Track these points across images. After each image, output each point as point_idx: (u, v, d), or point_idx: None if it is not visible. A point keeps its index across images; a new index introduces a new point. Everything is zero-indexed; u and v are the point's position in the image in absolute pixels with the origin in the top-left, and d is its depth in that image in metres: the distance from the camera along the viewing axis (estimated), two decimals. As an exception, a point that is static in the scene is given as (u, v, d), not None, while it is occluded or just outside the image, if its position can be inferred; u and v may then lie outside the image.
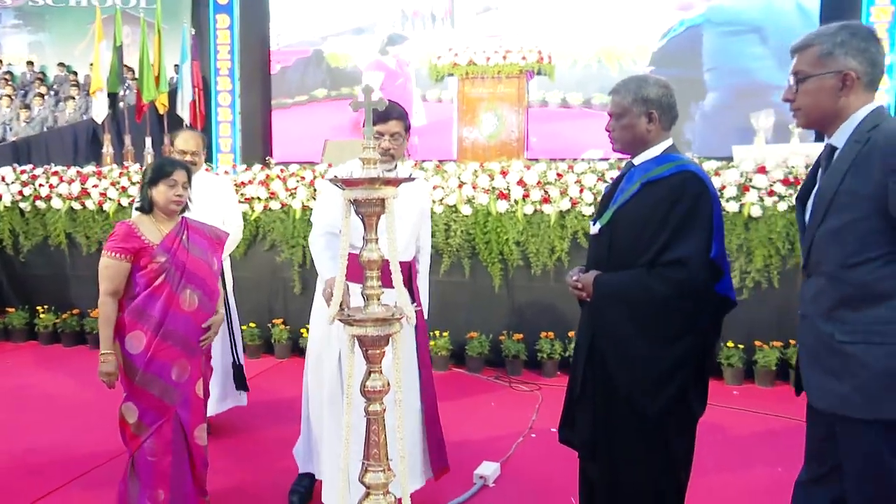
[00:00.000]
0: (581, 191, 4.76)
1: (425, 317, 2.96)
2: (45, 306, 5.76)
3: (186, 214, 2.82)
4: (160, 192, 2.66)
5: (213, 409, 3.64)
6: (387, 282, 2.22)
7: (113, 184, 5.55)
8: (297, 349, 5.29)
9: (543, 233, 4.82)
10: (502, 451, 3.42)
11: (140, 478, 2.61)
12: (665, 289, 2.07)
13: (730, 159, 4.94)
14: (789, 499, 2.93)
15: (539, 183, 4.83)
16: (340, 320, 2.15)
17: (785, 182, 4.54)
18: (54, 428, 3.85)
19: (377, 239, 2.16)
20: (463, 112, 5.78)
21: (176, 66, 10.57)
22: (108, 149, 8.70)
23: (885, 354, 1.66)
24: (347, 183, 2.10)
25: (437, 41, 8.85)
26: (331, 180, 2.18)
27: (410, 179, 2.21)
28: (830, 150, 1.80)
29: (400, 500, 2.26)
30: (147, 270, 2.58)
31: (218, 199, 3.71)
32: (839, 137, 1.77)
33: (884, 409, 1.66)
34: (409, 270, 2.84)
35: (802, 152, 4.96)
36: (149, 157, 8.79)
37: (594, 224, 2.33)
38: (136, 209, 2.73)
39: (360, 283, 2.24)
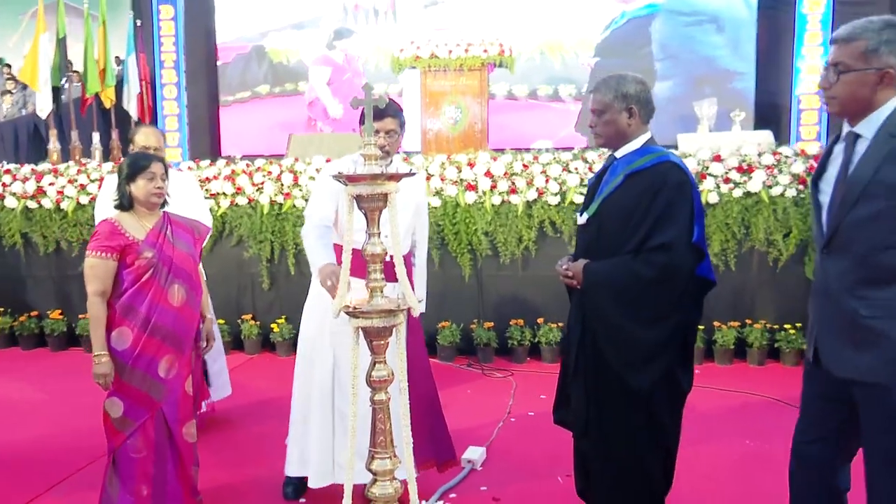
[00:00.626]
0: (547, 181, 4.89)
1: (423, 310, 3.04)
2: (1, 308, 5.58)
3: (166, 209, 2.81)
4: (139, 187, 2.64)
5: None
6: (387, 275, 2.28)
7: (71, 181, 5.41)
8: (268, 344, 5.29)
9: (511, 223, 4.93)
10: (485, 436, 3.53)
11: (121, 474, 2.60)
12: (651, 272, 2.20)
13: (674, 147, 5.15)
14: (761, 469, 3.14)
15: (506, 174, 4.94)
16: (346, 313, 2.20)
17: (739, 170, 4.76)
18: (22, 433, 3.76)
19: (380, 233, 2.22)
20: (426, 104, 5.83)
21: (117, 58, 10.24)
22: (54, 144, 8.40)
23: None
24: (351, 179, 2.15)
25: (384, 35, 8.88)
26: (334, 176, 2.23)
27: (411, 174, 2.28)
28: (854, 137, 1.90)
29: (405, 481, 2.33)
30: (134, 267, 2.57)
31: (185, 195, 3.66)
32: (866, 127, 1.87)
33: None
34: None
35: (753, 140, 5.22)
36: (97, 153, 8.53)
37: (581, 215, 2.44)
38: (116, 207, 2.70)
39: (359, 276, 2.30)
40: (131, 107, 9.26)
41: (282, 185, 5.14)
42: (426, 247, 3.11)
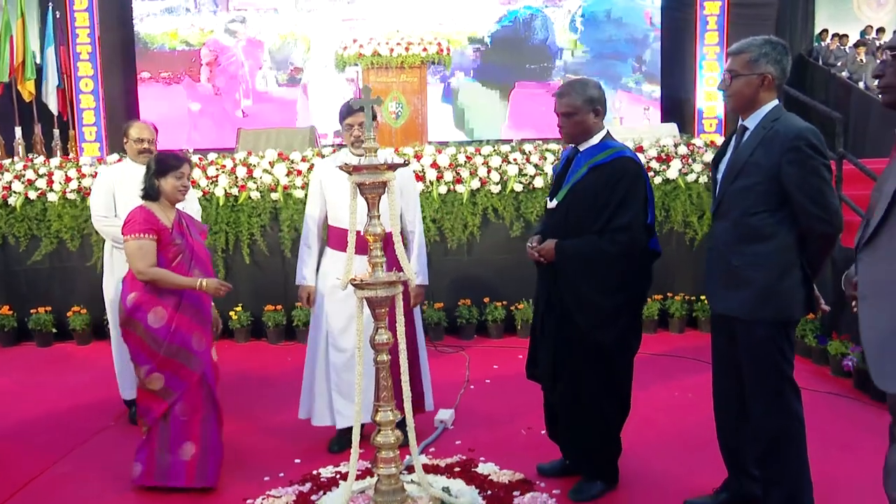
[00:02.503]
0: (489, 172, 5.30)
1: (426, 282, 3.53)
2: (-56, 306, 5.51)
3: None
4: (169, 183, 2.93)
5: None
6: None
7: (17, 177, 5.39)
8: (226, 331, 5.46)
9: (457, 210, 5.32)
10: (451, 401, 3.90)
11: (171, 437, 2.89)
12: (615, 248, 2.65)
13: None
14: (687, 413, 3.66)
15: (451, 165, 5.32)
16: (353, 285, 2.54)
17: (658, 159, 5.33)
18: (6, 418, 3.86)
19: (379, 216, 2.57)
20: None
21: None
22: (-25, 139, 8.17)
23: (764, 276, 2.39)
24: (356, 169, 2.49)
25: (279, 21, 9.46)
26: (339, 167, 2.57)
27: (405, 165, 2.64)
28: (743, 129, 2.47)
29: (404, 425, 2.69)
30: (166, 252, 2.86)
31: None
32: (751, 121, 2.44)
33: (764, 312, 2.39)
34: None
35: (660, 133, 5.81)
36: (19, 148, 8.34)
37: (551, 200, 2.86)
38: (142, 197, 2.97)
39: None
40: (50, 101, 9.09)
41: (236, 178, 5.33)
42: (417, 234, 3.43)
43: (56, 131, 9.11)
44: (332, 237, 3.32)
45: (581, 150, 2.80)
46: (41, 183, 5.37)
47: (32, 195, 5.38)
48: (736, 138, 2.50)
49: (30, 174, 5.39)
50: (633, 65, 9.71)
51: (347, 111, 3.20)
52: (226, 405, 3.99)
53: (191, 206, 3.82)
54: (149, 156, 3.75)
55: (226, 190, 5.31)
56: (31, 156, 6.00)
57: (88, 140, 10.12)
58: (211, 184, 5.32)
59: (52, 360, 5.10)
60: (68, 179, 5.36)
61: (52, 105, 8.97)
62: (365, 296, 2.54)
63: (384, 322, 2.59)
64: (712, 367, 2.68)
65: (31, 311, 5.39)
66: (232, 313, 5.40)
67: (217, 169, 5.35)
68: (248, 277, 5.43)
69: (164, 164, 2.93)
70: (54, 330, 5.39)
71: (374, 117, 3.25)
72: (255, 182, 5.32)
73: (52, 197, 5.35)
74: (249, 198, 5.31)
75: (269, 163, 5.34)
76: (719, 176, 2.53)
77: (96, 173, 5.34)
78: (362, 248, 2.67)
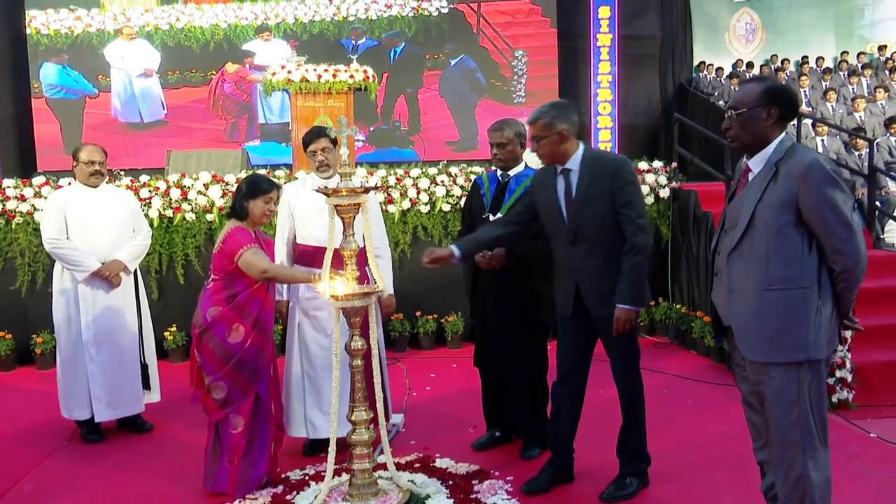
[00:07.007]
0: (418, 193, 5.64)
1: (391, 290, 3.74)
2: None
3: None
4: (257, 206, 3.06)
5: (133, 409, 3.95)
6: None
7: (-65, 199, 5.23)
8: (161, 352, 5.47)
9: (389, 229, 5.58)
10: (398, 408, 4.17)
11: (221, 446, 3.04)
12: (548, 248, 3.18)
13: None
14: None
15: (382, 186, 5.61)
16: (331, 296, 2.80)
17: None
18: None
19: (354, 234, 2.85)
20: (299, 123, 6.32)
21: None
22: None
23: (621, 280, 2.82)
24: (335, 192, 2.77)
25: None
26: (317, 190, 2.83)
27: (376, 188, 2.94)
28: (567, 171, 2.91)
29: (377, 430, 2.96)
30: None
31: (128, 210, 3.94)
32: (571, 164, 2.90)
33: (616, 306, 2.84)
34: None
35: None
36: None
37: (494, 215, 3.33)
38: (229, 215, 3.12)
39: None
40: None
41: (170, 199, 5.39)
42: (385, 244, 3.73)
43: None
44: (300, 254, 3.52)
45: (511, 174, 3.35)
46: (-39, 205, 5.23)
47: (-48, 218, 5.23)
48: (565, 179, 2.90)
49: (-51, 196, 5.23)
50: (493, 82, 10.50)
51: (309, 139, 3.44)
52: (184, 420, 4.07)
53: (130, 221, 3.93)
54: (100, 178, 3.84)
55: (160, 212, 5.36)
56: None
57: (-26, 160, 9.66)
58: (144, 206, 5.35)
59: (-24, 387, 4.96)
60: (-9, 202, 5.25)
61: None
62: (342, 306, 2.80)
63: (358, 330, 2.86)
64: (559, 355, 3.06)
65: (-49, 337, 5.22)
66: (167, 333, 5.43)
67: (150, 191, 5.39)
68: (182, 298, 5.48)
69: (256, 188, 3.05)
70: (-25, 357, 5.24)
71: (335, 143, 3.54)
72: (189, 204, 5.40)
73: (-28, 220, 5.22)
74: (184, 219, 5.39)
75: (204, 185, 5.44)
76: (563, 213, 2.91)
77: (23, 195, 5.27)
78: (337, 263, 2.93)
